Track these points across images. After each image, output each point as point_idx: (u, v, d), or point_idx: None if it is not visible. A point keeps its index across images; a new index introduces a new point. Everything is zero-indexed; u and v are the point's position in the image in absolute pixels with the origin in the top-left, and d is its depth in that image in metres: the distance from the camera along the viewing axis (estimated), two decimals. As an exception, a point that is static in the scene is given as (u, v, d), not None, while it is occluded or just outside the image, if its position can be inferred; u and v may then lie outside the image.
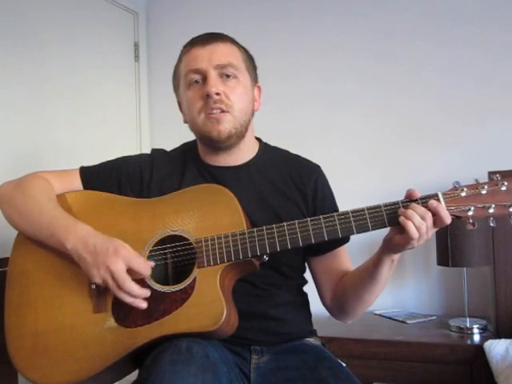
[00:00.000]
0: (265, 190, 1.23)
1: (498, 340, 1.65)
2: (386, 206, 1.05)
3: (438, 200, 1.03)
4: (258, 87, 1.29)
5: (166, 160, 1.28)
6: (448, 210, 1.02)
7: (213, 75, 1.17)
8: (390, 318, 2.06)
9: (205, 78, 1.17)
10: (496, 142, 2.10)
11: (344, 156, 2.29)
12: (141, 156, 1.32)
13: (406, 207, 1.03)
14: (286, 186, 1.25)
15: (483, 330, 1.84)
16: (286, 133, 2.19)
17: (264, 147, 1.31)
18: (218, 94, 1.15)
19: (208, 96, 1.15)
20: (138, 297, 1.04)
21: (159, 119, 2.63)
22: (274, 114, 2.32)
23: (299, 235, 1.06)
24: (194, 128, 1.23)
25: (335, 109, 2.34)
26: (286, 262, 1.19)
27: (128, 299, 1.04)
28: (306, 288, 1.30)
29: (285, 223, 1.07)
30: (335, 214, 1.07)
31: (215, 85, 1.16)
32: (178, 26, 2.64)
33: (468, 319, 1.87)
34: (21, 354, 1.11)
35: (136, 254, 1.06)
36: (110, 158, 1.32)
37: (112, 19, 2.48)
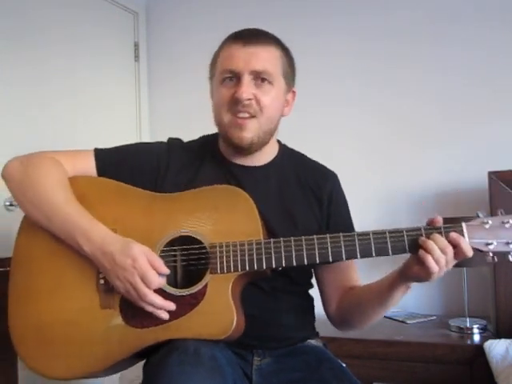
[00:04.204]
0: (282, 193, 1.22)
1: (497, 340, 1.65)
2: (407, 231, 1.02)
3: (462, 231, 1.00)
4: (293, 92, 1.26)
5: (184, 150, 1.26)
6: (470, 242, 1.00)
7: (246, 79, 1.14)
8: (390, 318, 2.05)
9: (238, 79, 1.15)
10: (496, 142, 2.10)
11: (344, 156, 2.29)
12: (157, 144, 1.28)
13: (427, 235, 1.00)
14: (303, 190, 1.24)
15: (483, 330, 1.84)
16: (286, 133, 2.18)
17: (283, 149, 1.30)
18: (249, 99, 1.14)
19: (238, 99, 1.14)
20: (160, 309, 1.03)
21: (159, 119, 2.63)
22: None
23: (317, 252, 1.04)
24: (218, 124, 1.21)
25: (335, 109, 2.34)
26: (295, 267, 1.18)
27: (150, 309, 1.03)
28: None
29: (303, 237, 1.05)
30: (355, 233, 1.04)
31: (247, 90, 1.13)
32: (177, 26, 2.64)
33: (468, 319, 1.87)
34: (24, 343, 1.10)
35: (150, 267, 1.02)
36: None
37: (112, 19, 2.49)
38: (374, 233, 1.03)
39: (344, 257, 1.03)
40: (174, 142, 1.28)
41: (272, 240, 1.06)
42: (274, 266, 1.05)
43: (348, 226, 1.28)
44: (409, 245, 1.02)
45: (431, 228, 1.02)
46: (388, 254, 1.02)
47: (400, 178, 2.23)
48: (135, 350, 1.04)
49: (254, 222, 1.08)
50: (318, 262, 1.04)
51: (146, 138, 2.58)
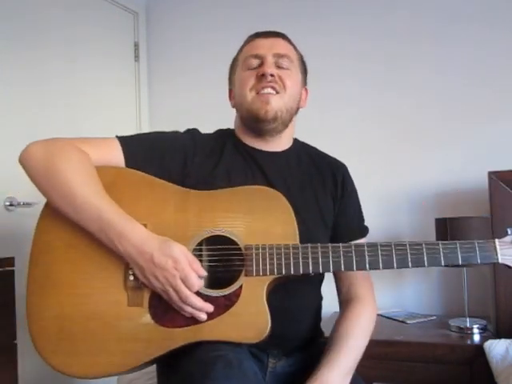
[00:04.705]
0: (303, 177, 1.24)
1: (497, 340, 1.65)
2: (443, 244, 1.05)
3: (495, 247, 1.04)
4: (306, 89, 1.33)
5: (206, 138, 1.26)
6: (502, 258, 1.03)
7: (270, 60, 1.21)
8: (390, 318, 2.05)
9: (262, 63, 1.21)
10: (496, 142, 2.10)
11: (344, 156, 2.27)
12: (178, 132, 1.27)
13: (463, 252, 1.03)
14: (321, 175, 1.27)
15: (483, 330, 1.84)
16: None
17: (297, 141, 1.33)
18: (272, 75, 1.18)
19: (263, 75, 1.18)
20: (200, 310, 1.01)
21: (159, 119, 2.63)
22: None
23: (354, 259, 1.04)
24: (241, 106, 1.23)
25: (335, 109, 2.34)
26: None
27: (189, 310, 1.01)
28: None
29: (340, 244, 1.05)
30: (392, 243, 1.05)
31: (270, 67, 1.20)
32: (177, 26, 2.64)
33: (468, 319, 1.87)
34: (44, 338, 1.04)
35: (191, 269, 1.00)
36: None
37: (112, 19, 2.49)
38: (411, 244, 1.04)
39: (381, 266, 1.04)
40: (196, 132, 1.28)
41: (309, 245, 1.05)
42: (310, 271, 1.04)
43: (358, 216, 1.31)
44: (444, 259, 1.03)
45: (467, 242, 1.04)
46: (424, 265, 1.04)
47: (400, 178, 2.23)
48: (164, 350, 1.01)
49: (290, 224, 1.07)
50: (355, 269, 1.05)
51: (146, 138, 2.58)
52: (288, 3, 2.44)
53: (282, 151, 1.27)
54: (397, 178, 2.23)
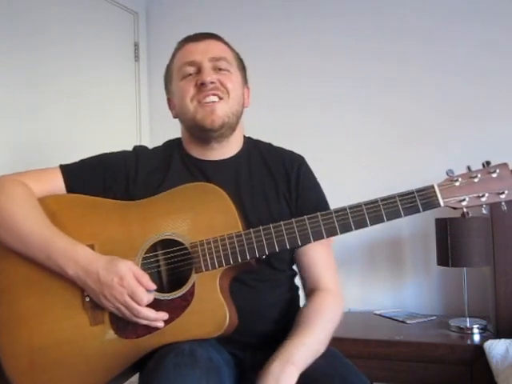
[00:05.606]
0: (252, 182, 1.22)
1: (498, 340, 1.65)
2: (383, 200, 1.05)
3: (435, 192, 1.02)
4: (247, 87, 1.29)
5: (150, 156, 1.26)
6: (444, 202, 1.02)
7: (207, 66, 1.17)
8: (390, 318, 2.05)
9: (199, 70, 1.18)
10: (495, 142, 2.10)
11: (342, 156, 2.29)
12: (123, 152, 1.28)
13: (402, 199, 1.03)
14: (272, 176, 1.23)
15: (483, 330, 1.83)
16: (285, 133, 2.18)
17: (248, 141, 1.30)
18: (212, 82, 1.16)
19: (202, 84, 1.15)
20: (155, 321, 1.03)
21: (159, 119, 2.63)
22: (273, 115, 2.32)
23: (297, 234, 1.04)
24: (184, 117, 1.21)
25: (334, 109, 2.34)
26: (276, 254, 1.15)
27: (144, 322, 1.03)
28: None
29: (282, 222, 1.05)
30: (332, 210, 1.05)
31: (210, 74, 1.16)
32: (178, 26, 2.63)
33: (468, 319, 1.87)
34: (19, 373, 1.07)
35: (138, 284, 1.01)
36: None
37: (112, 19, 2.48)
38: (350, 207, 1.04)
39: (325, 235, 1.04)
40: (140, 149, 1.28)
41: (252, 230, 1.05)
42: (257, 255, 1.05)
43: (318, 206, 1.23)
44: (386, 213, 1.03)
45: (405, 194, 1.04)
46: (367, 226, 1.04)
47: (400, 177, 2.21)
48: (133, 360, 1.03)
49: (230, 214, 1.08)
50: (300, 244, 1.05)
51: (146, 138, 2.58)
52: (288, 3, 2.43)
53: (231, 157, 1.24)
54: (397, 177, 2.22)
